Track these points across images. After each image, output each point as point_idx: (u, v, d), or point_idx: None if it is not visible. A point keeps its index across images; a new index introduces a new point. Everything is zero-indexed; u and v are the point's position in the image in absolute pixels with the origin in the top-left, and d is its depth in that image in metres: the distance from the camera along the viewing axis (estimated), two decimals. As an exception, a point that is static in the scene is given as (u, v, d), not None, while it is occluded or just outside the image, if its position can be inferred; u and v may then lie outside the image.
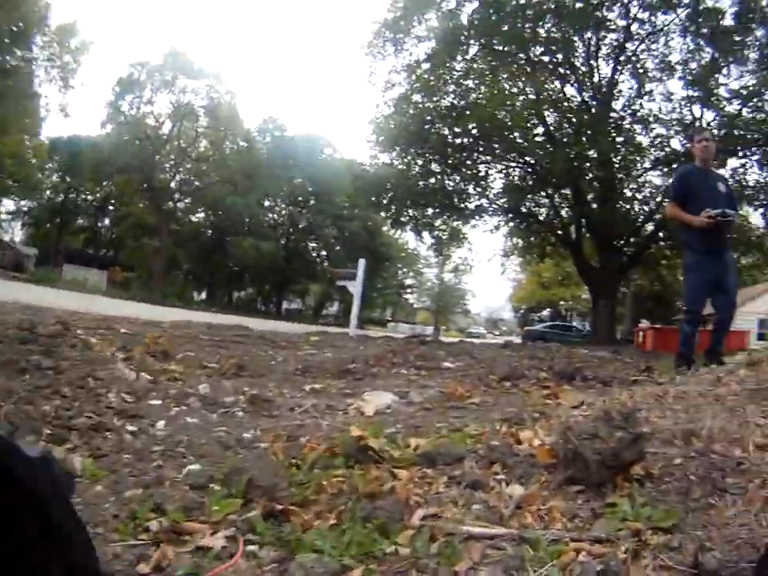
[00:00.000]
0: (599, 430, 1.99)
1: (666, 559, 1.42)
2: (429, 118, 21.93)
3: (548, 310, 77.51)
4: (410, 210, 26.14)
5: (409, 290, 79.95)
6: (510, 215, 26.41)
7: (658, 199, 22.52)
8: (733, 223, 5.88)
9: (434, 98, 22.71)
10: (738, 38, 20.43)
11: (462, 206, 25.45)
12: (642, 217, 24.46)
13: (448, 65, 22.97)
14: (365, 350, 8.28)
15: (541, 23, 22.04)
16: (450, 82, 22.91)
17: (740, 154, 21.45)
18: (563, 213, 26.49)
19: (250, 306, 55.59)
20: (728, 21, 20.67)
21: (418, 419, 3.19)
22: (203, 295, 58.89)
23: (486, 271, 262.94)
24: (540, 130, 24.07)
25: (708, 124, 20.72)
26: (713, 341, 5.81)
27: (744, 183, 21.81)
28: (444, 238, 28.83)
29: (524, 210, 25.90)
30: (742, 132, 20.10)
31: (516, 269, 47.92)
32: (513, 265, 40.89)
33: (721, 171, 20.87)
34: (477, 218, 26.49)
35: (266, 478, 1.80)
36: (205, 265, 53.72)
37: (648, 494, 1.86)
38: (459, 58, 23.38)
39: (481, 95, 22.15)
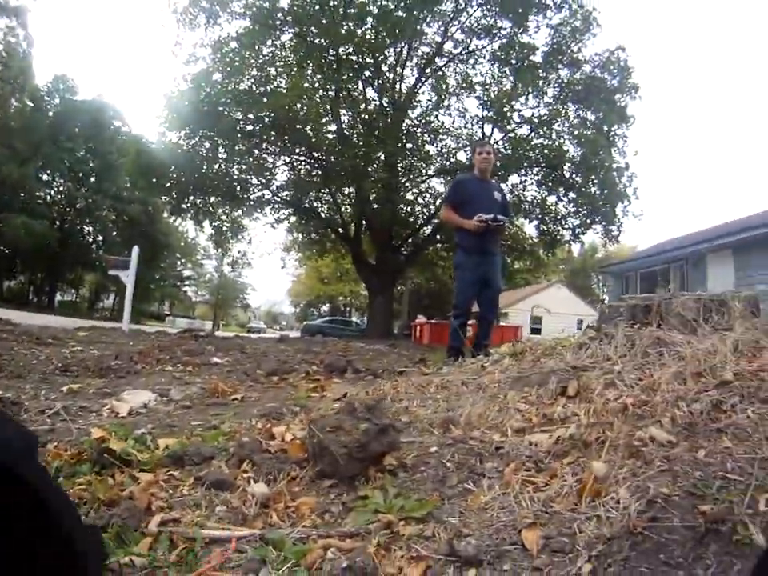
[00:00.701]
0: (343, 423, 2.00)
1: (421, 549, 1.41)
2: (224, 100, 21.10)
3: (327, 304, 79.12)
4: (191, 197, 25.04)
5: (188, 283, 78.04)
6: (293, 209, 26.38)
7: (438, 204, 23.91)
8: (503, 229, 6.35)
9: (234, 80, 22.04)
10: (542, 74, 22.69)
11: (245, 196, 24.98)
12: (421, 220, 25.76)
13: (257, 47, 22.52)
14: (134, 345, 7.92)
15: (361, 24, 22.27)
16: (254, 65, 22.47)
17: (522, 172, 23.59)
18: (345, 211, 27.15)
19: (22, 298, 49.43)
20: (537, 57, 22.87)
21: (175, 418, 3.11)
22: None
23: (267, 265, 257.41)
24: (333, 127, 24.46)
25: (496, 142, 22.48)
26: (479, 334, 6.24)
27: (522, 198, 24.26)
28: (225, 229, 27.93)
29: (307, 205, 26.03)
30: (527, 153, 22.19)
31: (296, 263, 47.75)
32: (293, 259, 40.76)
33: (502, 185, 22.88)
34: (259, 210, 26.31)
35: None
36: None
37: (402, 485, 1.87)
38: (269, 42, 23.06)
39: (281, 84, 22.12)
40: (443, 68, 24.78)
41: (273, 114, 20.55)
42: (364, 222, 25.58)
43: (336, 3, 22.18)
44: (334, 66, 22.46)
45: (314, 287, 72.78)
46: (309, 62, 22.49)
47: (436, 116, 24.57)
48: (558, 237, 25.39)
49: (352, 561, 1.34)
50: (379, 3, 22.22)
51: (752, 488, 1.51)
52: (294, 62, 22.64)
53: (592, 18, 22.82)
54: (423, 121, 24.29)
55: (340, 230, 26.76)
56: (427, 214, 25.64)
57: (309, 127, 22.12)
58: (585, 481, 1.70)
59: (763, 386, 2.32)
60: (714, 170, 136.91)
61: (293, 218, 28.01)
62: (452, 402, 3.00)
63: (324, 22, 21.30)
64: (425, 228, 26.23)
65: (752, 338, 2.96)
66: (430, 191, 26.16)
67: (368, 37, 22.30)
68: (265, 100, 20.55)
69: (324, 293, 71.93)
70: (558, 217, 24.68)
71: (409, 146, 23.12)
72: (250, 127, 22.48)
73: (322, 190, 25.49)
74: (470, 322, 6.63)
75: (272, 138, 22.87)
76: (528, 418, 2.50)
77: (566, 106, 23.66)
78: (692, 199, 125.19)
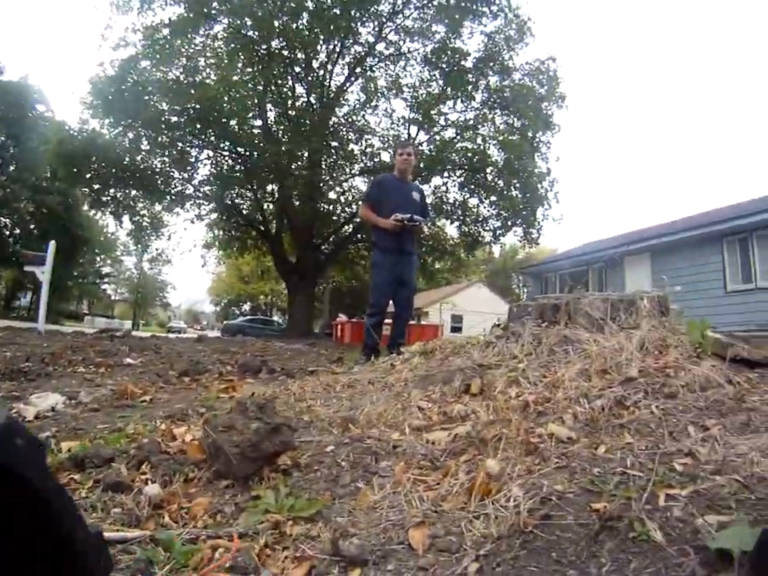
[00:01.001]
0: (235, 422, 1.97)
1: (307, 549, 1.40)
2: (150, 89, 20.30)
3: (248, 303, 77.93)
4: (112, 189, 23.99)
5: (107, 280, 75.06)
6: (214, 205, 25.71)
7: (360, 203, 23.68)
8: (420, 229, 6.40)
9: (163, 68, 21.25)
10: (471, 79, 22.84)
11: (166, 190, 24.14)
12: (342, 218, 25.64)
13: (189, 36, 21.76)
14: (47, 347, 7.50)
15: (296, 18, 21.89)
16: (184, 54, 21.69)
17: (445, 174, 23.76)
18: (267, 208, 26.72)
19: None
20: (468, 63, 22.94)
21: (81, 421, 3.00)
22: None
23: (187, 262, 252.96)
24: (258, 122, 23.96)
25: (420, 143, 22.65)
26: (394, 333, 6.21)
27: (445, 200, 24.46)
28: (145, 224, 26.77)
29: (228, 201, 25.39)
30: (450, 156, 22.39)
31: (216, 261, 46.69)
32: (213, 257, 39.86)
33: (425, 186, 23.10)
34: (180, 205, 25.42)
35: None
36: None
37: (295, 484, 1.84)
38: (202, 32, 22.40)
39: (210, 76, 21.43)
40: (374, 68, 24.65)
41: (199, 106, 19.74)
42: (285, 220, 25.15)
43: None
44: (265, 60, 21.82)
45: (234, 286, 71.30)
46: (240, 54, 21.71)
47: (363, 115, 24.49)
48: (479, 238, 25.66)
49: (236, 561, 1.32)
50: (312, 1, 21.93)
51: (652, 483, 1.49)
52: (225, 54, 21.85)
53: (526, 27, 23.11)
54: (349, 120, 24.12)
55: (261, 227, 26.20)
56: (349, 212, 25.44)
57: (234, 121, 21.59)
58: (477, 479, 1.64)
59: (668, 382, 2.33)
60: (633, 176, 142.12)
61: (214, 215, 27.18)
62: (356, 400, 2.95)
63: (259, 14, 20.70)
64: (346, 227, 26.07)
65: (658, 335, 2.98)
66: (352, 190, 26.04)
67: (302, 32, 21.85)
68: (192, 91, 19.59)
69: (245, 292, 70.63)
70: (480, 219, 24.87)
71: (334, 144, 22.87)
72: (174, 119, 21.53)
73: (245, 187, 24.87)
74: (386, 321, 6.60)
75: (196, 131, 22.11)
76: (429, 416, 2.47)
77: (493, 112, 23.87)
78: (612, 204, 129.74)
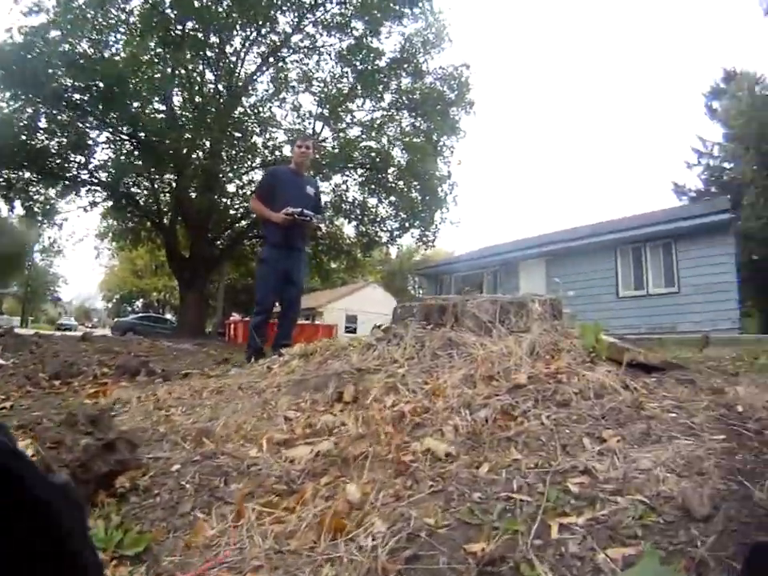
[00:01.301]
0: (65, 437, 1.67)
1: None
2: (56, 61, 18.38)
3: (141, 300, 74.76)
4: (5, 170, 21.75)
5: (-6, 272, 69.37)
6: (109, 193, 23.96)
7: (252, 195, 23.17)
8: (311, 225, 6.03)
9: (72, 40, 19.45)
10: (384, 79, 22.64)
11: (62, 174, 22.31)
12: (240, 213, 24.86)
13: (104, 8, 20.09)
14: None
15: (218, 1, 20.87)
16: (96, 27, 20.08)
17: (346, 172, 23.40)
18: (163, 198, 25.35)
19: None
20: (382, 62, 22.59)
21: None
22: None
23: (79, 255, 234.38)
24: (163, 107, 22.70)
25: (324, 140, 22.29)
26: (279, 333, 5.94)
27: (344, 198, 24.12)
28: (37, 210, 24.29)
29: (124, 189, 23.71)
30: (353, 154, 22.03)
31: (110, 254, 44.25)
32: (106, 249, 37.74)
33: (325, 183, 22.76)
34: (74, 191, 23.59)
35: None
36: None
37: (129, 512, 1.56)
38: (119, 4, 20.82)
39: (120, 53, 20.11)
40: (286, 59, 24.00)
41: (102, 84, 18.36)
42: (180, 213, 24.05)
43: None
44: (178, 42, 20.56)
45: (127, 281, 66.84)
46: (153, 33, 20.34)
47: (269, 108, 23.73)
48: (376, 238, 25.44)
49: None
50: None
51: (542, 511, 1.28)
52: (139, 32, 20.53)
53: (445, 32, 23.10)
54: (256, 111, 23.34)
55: (156, 218, 24.62)
56: (246, 207, 24.64)
57: (138, 103, 20.16)
58: (333, 509, 1.35)
59: (560, 389, 2.12)
60: (530, 184, 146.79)
61: (109, 203, 25.42)
62: (219, 409, 2.63)
63: None
64: (243, 221, 25.11)
65: (550, 339, 2.79)
66: (252, 184, 25.18)
67: (219, 15, 20.75)
68: (97, 68, 18.15)
69: (137, 287, 67.11)
70: (378, 219, 24.71)
71: (237, 135, 22.06)
72: (77, 96, 19.69)
73: (142, 175, 23.23)
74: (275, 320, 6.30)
75: (98, 112, 20.57)
76: (293, 428, 2.18)
77: (400, 113, 23.72)
78: (510, 210, 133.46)
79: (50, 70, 18.11)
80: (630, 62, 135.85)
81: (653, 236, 16.23)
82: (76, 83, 18.83)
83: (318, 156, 20.58)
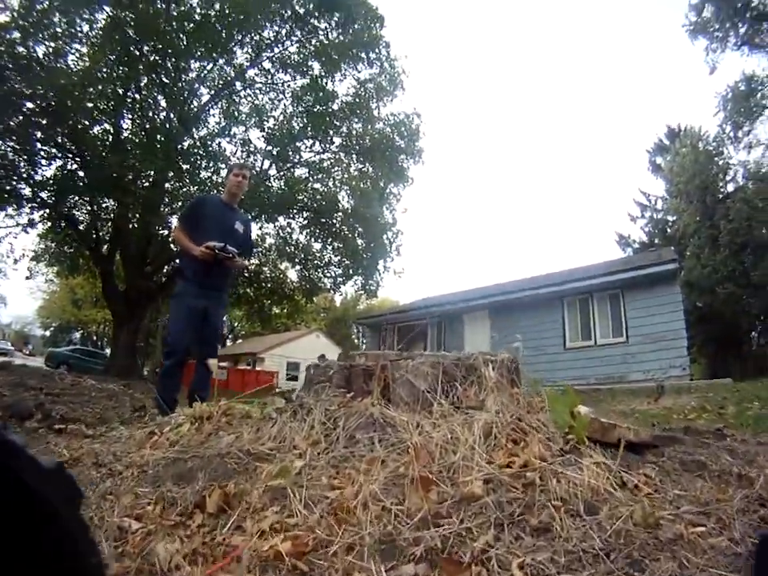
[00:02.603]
0: None
1: None
2: (10, 64, 17.32)
3: (80, 331, 71.74)
4: None
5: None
6: (49, 213, 22.42)
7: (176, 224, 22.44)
8: (234, 262, 5.20)
9: (30, 44, 18.08)
10: (335, 123, 22.28)
11: (3, 186, 20.71)
12: (179, 248, 23.74)
13: (70, 15, 19.02)
14: None
15: (181, 28, 20.21)
16: (59, 35, 18.87)
17: (292, 213, 22.79)
18: (102, 225, 23.93)
19: None
20: (335, 105, 22.26)
21: None
22: None
23: (19, 276, 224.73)
24: (110, 128, 21.59)
25: (269, 177, 21.86)
26: (195, 381, 5.10)
27: (289, 241, 23.27)
28: None
29: (64, 210, 22.32)
30: (299, 196, 21.61)
31: (51, 278, 42.21)
32: (41, 273, 35.69)
33: (268, 225, 21.96)
34: (14, 204, 21.98)
35: None
36: None
37: None
38: (87, 15, 19.71)
39: (77, 65, 19.17)
40: (240, 93, 23.41)
41: (52, 94, 17.23)
42: (119, 243, 22.78)
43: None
44: (135, 63, 19.68)
45: (66, 309, 63.23)
46: (112, 50, 19.32)
47: (219, 142, 23.00)
48: (320, 284, 24.65)
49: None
50: (203, 12, 20.43)
51: None
52: (98, 46, 19.49)
53: (399, 80, 22.92)
54: (204, 143, 22.51)
55: (93, 245, 22.90)
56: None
57: (85, 120, 19.18)
58: None
59: (534, 502, 1.37)
60: (478, 235, 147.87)
61: (48, 224, 23.78)
62: None
63: (146, 11, 18.85)
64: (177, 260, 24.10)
65: (511, 417, 2.04)
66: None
67: (179, 42, 20.10)
68: (43, 75, 16.94)
69: (76, 318, 64.12)
70: (321, 264, 24.02)
71: (185, 167, 21.20)
72: (29, 104, 18.60)
73: (84, 197, 22.03)
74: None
75: (43, 124, 19.31)
76: (116, 551, 1.45)
77: (349, 157, 23.33)
78: (455, 261, 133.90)
79: (5, 72, 17.00)
80: (575, 118, 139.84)
81: (601, 287, 16.11)
82: (25, 89, 17.65)
83: (265, 197, 19.95)
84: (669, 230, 33.10)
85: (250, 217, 17.63)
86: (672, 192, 32.34)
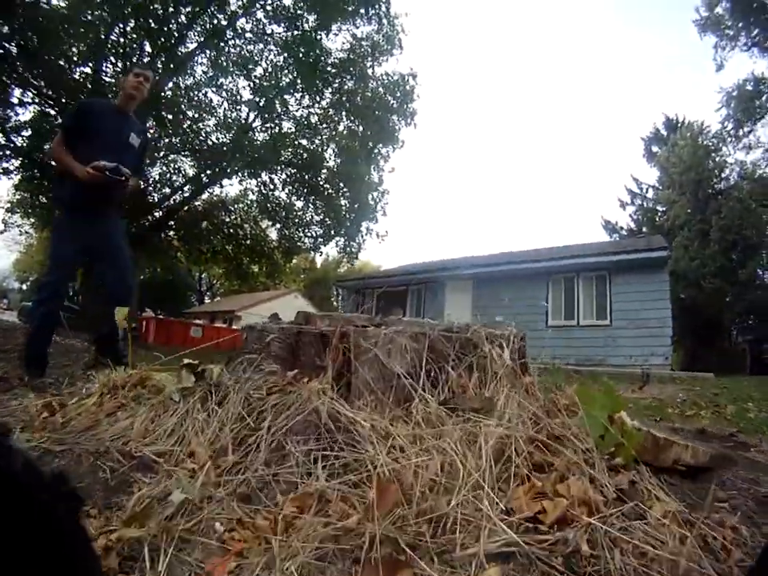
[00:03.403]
0: None
1: None
2: None
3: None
4: None
5: None
6: (24, 161, 21.37)
7: (182, 188, 22.21)
8: (126, 186, 4.04)
9: None
10: (329, 79, 21.46)
11: None
12: (156, 200, 22.94)
13: None
14: None
15: None
16: None
17: (276, 169, 22.09)
18: None
19: None
20: (329, 60, 21.38)
21: None
22: None
23: None
24: (90, 72, 20.30)
25: (254, 129, 20.98)
26: (104, 332, 4.18)
27: (270, 198, 22.47)
28: None
29: (37, 158, 21.17)
30: (284, 151, 20.87)
31: (27, 231, 40.70)
32: (21, 225, 34.41)
33: (251, 181, 21.14)
34: None
35: None
36: None
37: None
38: None
39: (57, 3, 17.83)
40: (229, 42, 22.29)
41: (30, 34, 16.14)
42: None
43: None
44: (125, 4, 18.62)
45: (43, 263, 62.61)
46: None
47: (205, 92, 21.99)
48: (299, 244, 23.71)
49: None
50: None
51: None
52: None
53: (397, 38, 21.68)
54: (190, 94, 21.47)
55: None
56: (162, 194, 22.68)
57: (63, 62, 17.88)
58: None
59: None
60: (466, 204, 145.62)
61: (25, 172, 22.50)
62: None
63: None
64: (157, 211, 23.16)
65: (532, 427, 1.34)
66: (180, 172, 23.28)
67: None
68: (21, 9, 15.82)
69: None
70: (302, 223, 23.23)
71: (168, 116, 20.15)
72: (5, 45, 17.28)
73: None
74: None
75: (19, 67, 17.97)
76: None
77: (339, 115, 22.40)
78: (442, 229, 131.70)
79: None
80: (573, 98, 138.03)
81: (588, 267, 15.82)
82: (4, 29, 16.51)
83: (248, 150, 19.15)
84: (657, 220, 32.81)
85: (147, 126, 16.70)
86: (665, 182, 31.99)
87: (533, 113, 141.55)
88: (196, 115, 21.32)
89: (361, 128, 22.15)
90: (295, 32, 21.49)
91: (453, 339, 1.70)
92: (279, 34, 21.92)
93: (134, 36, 20.50)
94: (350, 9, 20.88)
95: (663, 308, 14.57)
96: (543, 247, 20.44)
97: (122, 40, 19.93)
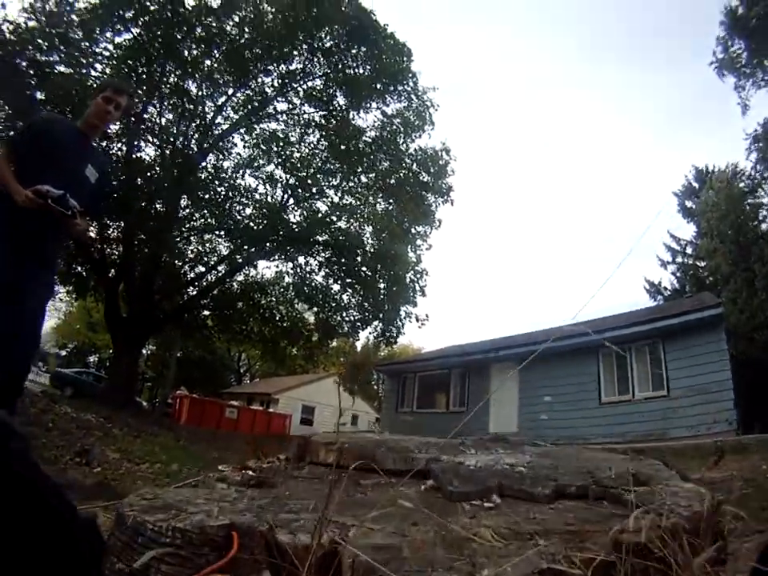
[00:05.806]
0: None
1: None
2: (31, 71, 16.83)
3: (96, 355, 70.65)
4: None
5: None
6: None
7: (216, 267, 22.63)
8: (74, 223, 3.32)
9: (49, 59, 17.54)
10: (364, 160, 21.64)
11: None
12: (190, 278, 23.08)
13: (94, 35, 18.32)
14: None
15: (208, 54, 19.84)
16: (80, 48, 17.94)
17: (313, 251, 22.11)
18: (108, 247, 22.79)
19: None
20: (362, 141, 21.68)
21: None
22: None
23: None
24: (125, 147, 20.65)
25: (289, 209, 21.52)
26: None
27: (307, 281, 22.55)
28: None
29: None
30: (320, 234, 20.92)
31: (65, 299, 41.06)
32: (59, 293, 34.99)
33: (286, 265, 21.16)
34: None
35: None
36: None
37: None
38: (109, 34, 19.04)
39: (94, 80, 18.06)
40: (262, 124, 22.70)
41: (65, 106, 16.24)
42: (125, 266, 21.60)
43: (184, 20, 18.86)
44: (159, 83, 19.21)
45: (80, 331, 60.84)
46: (134, 68, 18.66)
47: (240, 172, 22.26)
48: (337, 327, 23.46)
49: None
50: (229, 38, 19.79)
51: None
52: (118, 64, 18.54)
53: (427, 113, 22.10)
54: (219, 174, 21.73)
55: (100, 267, 21.42)
56: (197, 272, 22.97)
57: (98, 138, 18.39)
58: None
59: None
60: (507, 281, 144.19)
61: None
62: None
63: (163, 28, 18.28)
64: (192, 288, 23.21)
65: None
66: (216, 252, 23.48)
67: (209, 66, 19.75)
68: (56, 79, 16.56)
69: (90, 341, 62.38)
70: (340, 307, 22.99)
71: (206, 197, 20.47)
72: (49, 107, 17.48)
73: (106, 219, 21.06)
74: None
75: None
76: None
77: (375, 196, 22.47)
78: (483, 308, 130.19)
79: (26, 79, 16.58)
80: (601, 160, 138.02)
81: (638, 336, 14.95)
82: (41, 95, 17.04)
83: (282, 228, 19.37)
84: (701, 273, 31.98)
85: (110, 160, 16.65)
86: (703, 229, 30.84)
87: (567, 181, 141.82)
88: (230, 194, 21.70)
89: (397, 208, 22.09)
90: (329, 114, 21.95)
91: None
92: (312, 114, 22.33)
93: (171, 115, 21.07)
94: (378, 87, 21.19)
95: (722, 369, 13.72)
96: (589, 319, 19.76)
97: (157, 120, 20.59)
